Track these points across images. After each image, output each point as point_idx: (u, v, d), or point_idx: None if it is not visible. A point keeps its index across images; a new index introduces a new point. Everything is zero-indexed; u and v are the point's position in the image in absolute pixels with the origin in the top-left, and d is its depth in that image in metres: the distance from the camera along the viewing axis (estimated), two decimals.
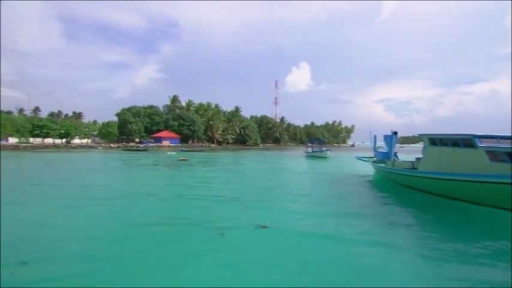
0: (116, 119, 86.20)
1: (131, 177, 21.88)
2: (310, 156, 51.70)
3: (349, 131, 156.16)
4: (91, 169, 28.20)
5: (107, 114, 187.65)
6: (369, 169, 25.95)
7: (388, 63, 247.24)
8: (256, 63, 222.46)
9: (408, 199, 13.45)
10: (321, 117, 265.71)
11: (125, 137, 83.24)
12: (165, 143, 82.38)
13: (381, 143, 26.01)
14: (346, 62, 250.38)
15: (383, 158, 22.06)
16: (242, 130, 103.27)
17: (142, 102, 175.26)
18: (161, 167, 30.87)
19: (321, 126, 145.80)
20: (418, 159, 16.95)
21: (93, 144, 73.66)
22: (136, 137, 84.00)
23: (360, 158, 30.56)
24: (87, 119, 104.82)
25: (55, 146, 66.82)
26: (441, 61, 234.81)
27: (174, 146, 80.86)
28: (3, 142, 64.86)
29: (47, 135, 69.72)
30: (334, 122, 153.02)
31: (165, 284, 5.14)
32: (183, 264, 5.95)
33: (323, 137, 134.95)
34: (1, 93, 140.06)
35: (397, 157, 22.28)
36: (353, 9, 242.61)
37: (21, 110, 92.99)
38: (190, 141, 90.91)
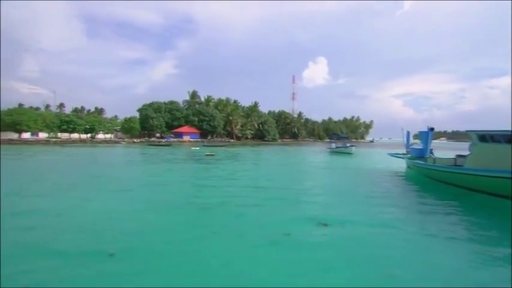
0: (136, 114, 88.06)
1: (176, 173, 22.12)
2: (334, 152, 51.20)
3: (367, 126, 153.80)
4: (132, 163, 29.22)
5: (126, 110, 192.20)
6: (399, 165, 25.61)
7: (408, 57, 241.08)
8: (273, 57, 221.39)
9: (465, 198, 13.10)
10: (338, 112, 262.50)
11: (146, 132, 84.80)
12: (186, 138, 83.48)
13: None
14: (364, 56, 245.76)
15: (418, 154, 21.62)
16: (260, 125, 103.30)
17: (159, 97, 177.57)
18: (193, 163, 31.25)
19: (339, 121, 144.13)
20: (460, 156, 16.59)
21: (117, 139, 75.44)
22: (158, 132, 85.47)
23: (392, 155, 30.10)
24: (108, 114, 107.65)
25: (81, 141, 68.90)
26: (463, 55, 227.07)
27: (194, 141, 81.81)
28: (35, 137, 67.52)
29: (73, 131, 71.92)
30: (353, 117, 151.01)
31: None
32: (260, 268, 5.65)
33: (341, 133, 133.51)
34: (28, 90, 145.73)
35: (432, 153, 21.82)
36: (373, 1, 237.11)
37: (47, 106, 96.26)
38: (209, 137, 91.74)
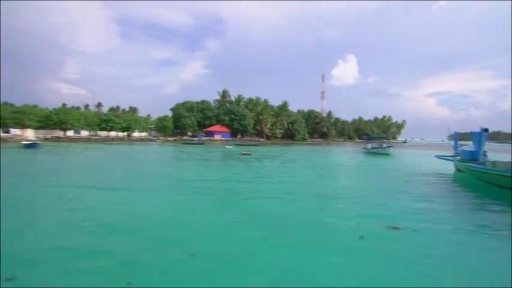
0: (168, 113, 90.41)
1: (227, 172, 22.38)
2: (371, 152, 49.71)
3: (399, 126, 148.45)
4: (180, 160, 30.10)
5: (156, 109, 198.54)
6: (445, 168, 24.41)
7: (443, 53, 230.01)
8: (301, 56, 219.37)
9: None
10: (367, 111, 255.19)
11: (178, 130, 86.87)
12: (217, 136, 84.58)
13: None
14: (395, 53, 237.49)
15: (469, 157, 20.38)
16: (290, 125, 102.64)
17: (188, 97, 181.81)
18: (235, 162, 31.40)
19: (370, 121, 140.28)
20: None
21: (151, 137, 77.85)
22: (189, 131, 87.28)
23: (440, 157, 28.73)
24: (140, 113, 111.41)
25: (119, 139, 71.90)
26: (506, 49, 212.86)
27: (225, 140, 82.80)
28: (77, 134, 71.28)
29: (111, 129, 75.08)
30: (384, 116, 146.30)
31: None
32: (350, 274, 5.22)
33: (372, 133, 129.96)
34: (68, 91, 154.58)
35: (486, 156, 20.51)
36: None
37: (86, 106, 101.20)
38: (238, 136, 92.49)
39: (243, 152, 42.50)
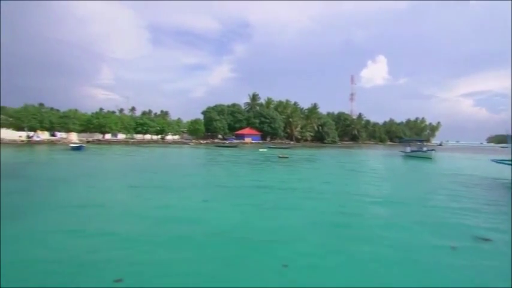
0: (196, 116, 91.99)
1: (276, 176, 22.24)
2: (410, 156, 47.60)
3: (434, 128, 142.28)
4: (224, 162, 30.53)
5: (185, 112, 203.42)
6: (498, 173, 22.93)
7: (479, 52, 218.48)
8: (329, 58, 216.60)
9: None
10: (398, 113, 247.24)
11: (209, 133, 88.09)
12: (247, 139, 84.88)
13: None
14: (427, 53, 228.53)
15: None
16: (320, 127, 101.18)
17: (216, 101, 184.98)
18: (277, 165, 31.14)
19: (401, 123, 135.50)
20: None
21: (184, 140, 79.44)
22: (220, 134, 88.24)
23: (499, 161, 26.95)
24: (171, 117, 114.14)
25: (154, 142, 74.09)
26: None
27: (256, 143, 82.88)
28: (114, 137, 74.10)
29: (146, 132, 77.45)
30: (417, 118, 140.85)
31: None
32: None
33: (404, 135, 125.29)
34: (103, 96, 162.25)
35: None
36: None
37: (121, 110, 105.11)
38: (268, 138, 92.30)
39: (280, 155, 42.15)
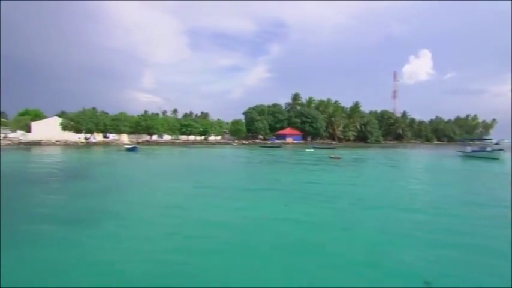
0: (232, 117, 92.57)
1: (345, 180, 21.39)
2: (471, 156, 43.93)
3: (488, 126, 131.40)
4: (278, 163, 30.34)
5: (223, 113, 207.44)
6: None
7: None
8: (368, 55, 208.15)
9: None
10: (445, 110, 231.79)
11: (250, 134, 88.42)
12: (289, 140, 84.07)
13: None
14: (477, 44, 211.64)
15: None
16: (363, 126, 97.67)
17: (252, 101, 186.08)
18: (334, 166, 30.22)
19: (450, 121, 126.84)
20: None
21: (227, 141, 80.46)
22: (261, 134, 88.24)
23: None
24: (211, 118, 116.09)
25: (199, 142, 75.92)
26: None
27: (297, 143, 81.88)
28: (160, 138, 76.88)
29: (190, 133, 79.47)
30: (468, 116, 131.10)
31: None
32: None
33: (453, 134, 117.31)
34: (146, 99, 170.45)
35: None
36: None
37: (164, 112, 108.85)
38: (308, 138, 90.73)
39: (332, 156, 40.92)
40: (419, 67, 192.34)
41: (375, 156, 49.10)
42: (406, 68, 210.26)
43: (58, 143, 58.62)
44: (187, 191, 15.15)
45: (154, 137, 76.06)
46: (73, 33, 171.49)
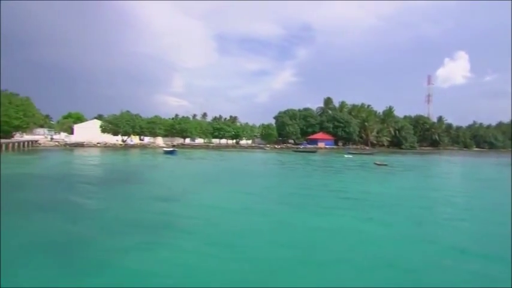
0: (258, 121, 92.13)
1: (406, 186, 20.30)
2: None
3: None
4: (325, 169, 29.76)
5: (250, 117, 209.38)
6: None
7: None
8: (398, 58, 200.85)
9: None
10: (484, 115, 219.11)
11: (280, 138, 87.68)
12: (321, 144, 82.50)
13: None
14: None
15: None
16: (397, 132, 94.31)
17: (279, 105, 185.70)
18: (382, 173, 29.01)
19: (490, 126, 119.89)
20: None
21: (260, 145, 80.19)
22: (292, 139, 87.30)
23: None
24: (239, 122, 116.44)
25: (232, 146, 76.23)
26: None
27: (330, 148, 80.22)
28: (192, 142, 77.79)
29: (222, 137, 79.89)
30: None
31: None
32: None
33: (495, 140, 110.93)
34: (175, 103, 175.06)
35: None
36: None
37: (194, 116, 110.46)
38: (340, 143, 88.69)
39: (377, 163, 39.40)
40: (455, 70, 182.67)
41: (420, 163, 46.99)
42: (440, 71, 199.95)
43: (99, 144, 60.61)
44: (253, 198, 14.78)
45: (187, 140, 77.08)
46: (108, 40, 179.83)
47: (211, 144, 74.97)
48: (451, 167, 41.39)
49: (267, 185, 18.95)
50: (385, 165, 37.78)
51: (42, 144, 54.28)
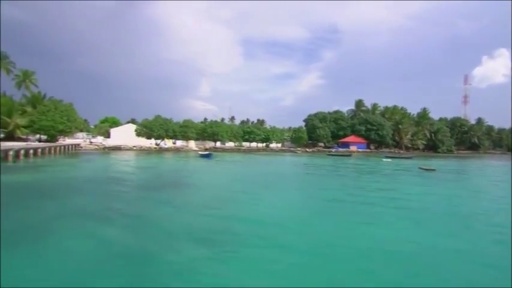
0: (281, 124, 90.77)
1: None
2: None
3: None
4: (372, 173, 28.52)
5: (276, 120, 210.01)
6: None
7: None
8: (431, 57, 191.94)
9: None
10: None
11: (310, 142, 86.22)
12: (353, 148, 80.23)
13: None
14: None
15: None
16: (433, 135, 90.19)
17: (305, 108, 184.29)
18: (433, 179, 27.35)
19: None
20: None
21: (291, 149, 79.28)
22: (323, 142, 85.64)
23: None
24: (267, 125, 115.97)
25: (263, 149, 75.94)
26: None
27: (362, 151, 77.91)
28: (222, 145, 78.15)
29: (252, 140, 79.69)
30: None
31: None
32: None
33: None
34: (202, 107, 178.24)
35: None
36: None
37: (222, 119, 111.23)
38: (371, 147, 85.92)
39: (424, 167, 37.52)
40: (495, 68, 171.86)
41: (468, 168, 44.42)
42: (478, 70, 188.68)
43: (135, 148, 62.16)
44: (310, 205, 14.24)
45: (217, 144, 77.53)
46: (140, 49, 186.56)
47: (243, 148, 75.03)
48: (506, 172, 38.66)
49: (325, 190, 18.25)
50: (433, 170, 35.92)
51: (83, 148, 56.37)
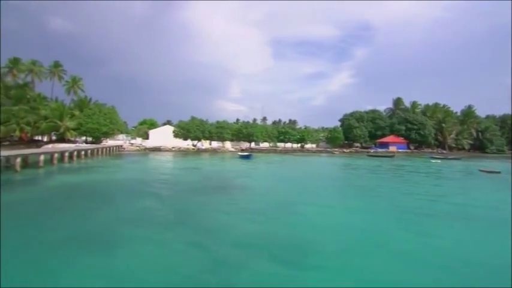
0: (310, 124, 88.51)
1: None
2: None
3: None
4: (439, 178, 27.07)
5: (307, 120, 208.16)
6: None
7: None
8: (472, 51, 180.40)
9: None
10: None
11: (346, 142, 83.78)
12: (392, 148, 76.85)
13: None
14: None
15: None
16: (480, 134, 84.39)
17: (336, 107, 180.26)
18: (502, 182, 25.09)
19: None
20: None
21: (327, 149, 77.46)
22: (360, 142, 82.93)
23: None
24: (299, 125, 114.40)
25: (299, 150, 74.86)
26: None
27: (403, 152, 74.42)
28: (257, 146, 77.84)
29: (287, 141, 78.72)
30: None
31: None
32: None
33: None
34: (232, 108, 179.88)
35: None
36: None
37: (254, 120, 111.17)
38: (412, 147, 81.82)
39: (485, 170, 34.75)
40: None
41: None
42: None
43: (173, 149, 63.43)
44: (379, 212, 13.13)
45: (252, 144, 77.36)
46: (173, 53, 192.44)
47: (278, 148, 74.37)
48: None
49: (389, 197, 17.06)
50: (498, 172, 33.25)
51: (125, 149, 58.29)
